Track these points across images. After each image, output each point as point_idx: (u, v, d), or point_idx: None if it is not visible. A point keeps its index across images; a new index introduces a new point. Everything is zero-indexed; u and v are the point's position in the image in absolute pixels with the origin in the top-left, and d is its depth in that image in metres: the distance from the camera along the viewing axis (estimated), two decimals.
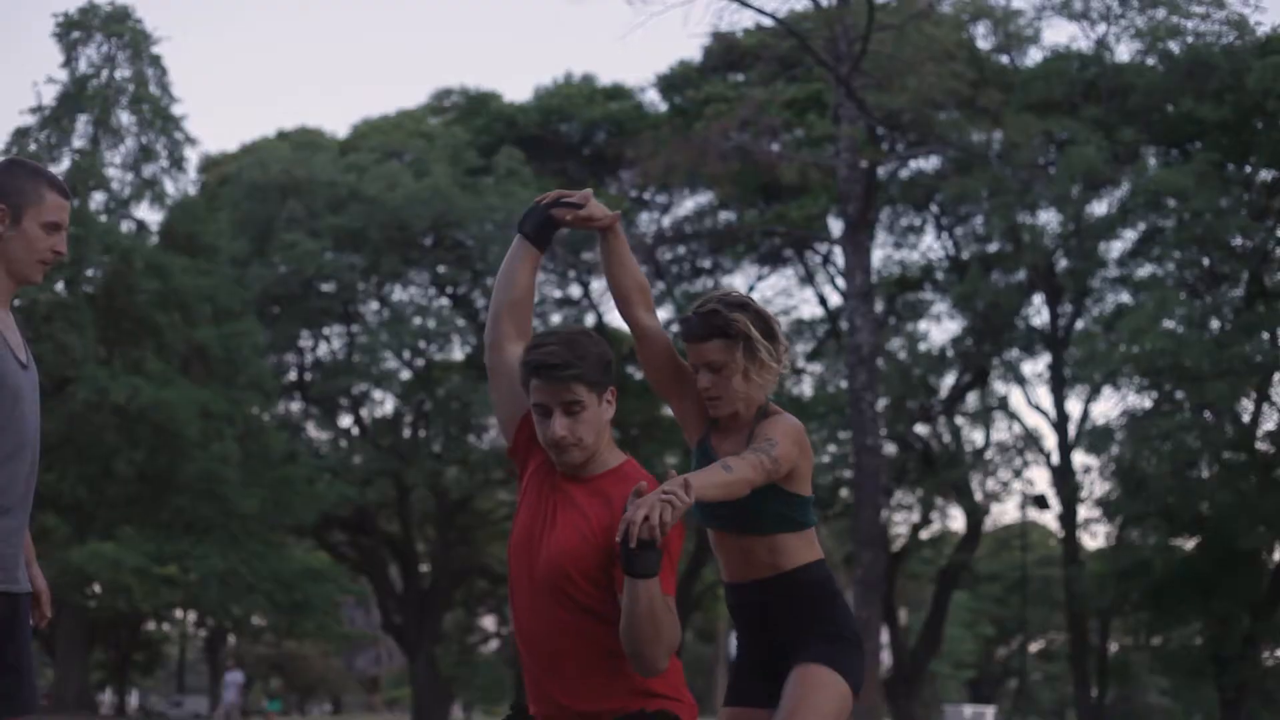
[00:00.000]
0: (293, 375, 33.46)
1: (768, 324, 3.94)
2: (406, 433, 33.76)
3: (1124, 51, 27.17)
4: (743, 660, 4.18)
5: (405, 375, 32.95)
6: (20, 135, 28.01)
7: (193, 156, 29.41)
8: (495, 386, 3.82)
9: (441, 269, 32.47)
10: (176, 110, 28.75)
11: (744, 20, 23.49)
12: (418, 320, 31.87)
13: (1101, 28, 26.63)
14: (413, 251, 31.61)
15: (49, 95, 28.37)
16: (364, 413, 34.12)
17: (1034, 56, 28.14)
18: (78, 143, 28.36)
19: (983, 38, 27.22)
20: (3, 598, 3.63)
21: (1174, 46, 25.29)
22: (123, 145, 28.50)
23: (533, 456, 3.75)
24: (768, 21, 24.27)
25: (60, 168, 27.28)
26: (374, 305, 32.94)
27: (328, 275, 30.84)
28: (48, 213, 3.85)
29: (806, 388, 32.31)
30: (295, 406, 34.21)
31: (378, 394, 33.61)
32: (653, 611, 3.41)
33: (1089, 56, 27.12)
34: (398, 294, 32.82)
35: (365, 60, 48.49)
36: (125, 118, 28.49)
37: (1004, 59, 27.95)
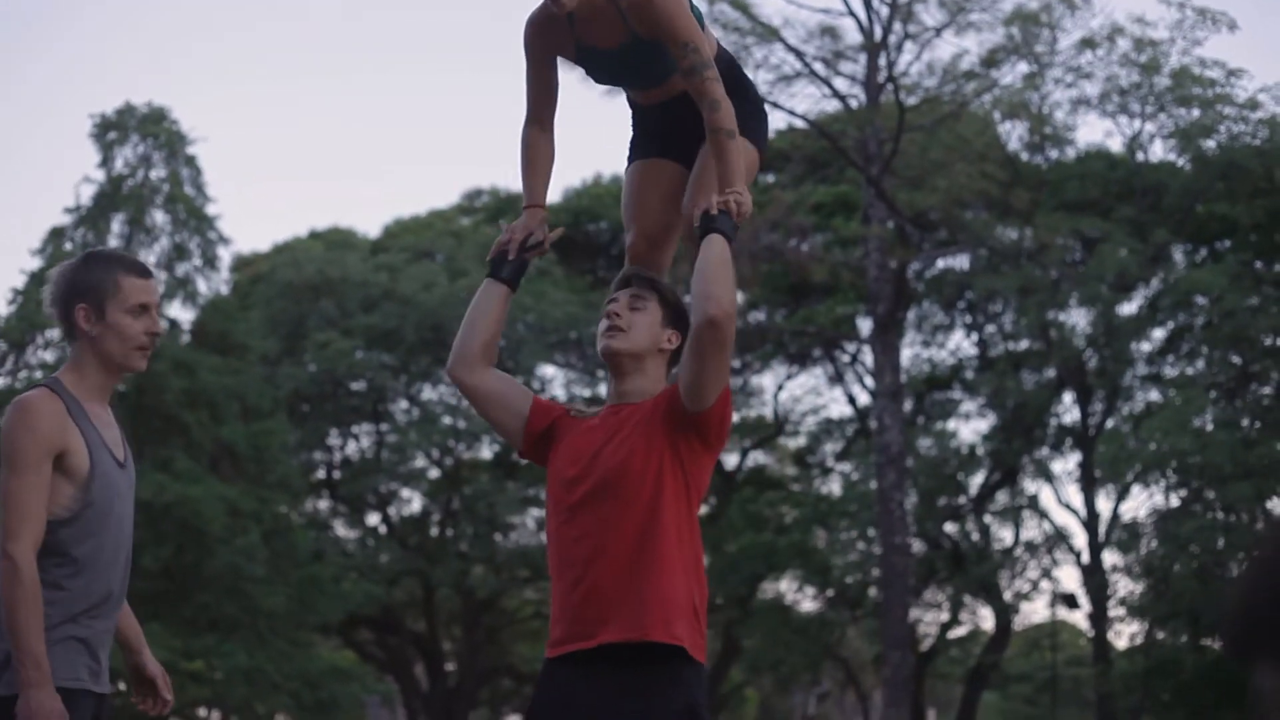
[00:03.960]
0: (321, 473, 33.48)
1: None
2: (434, 531, 33.72)
3: (1157, 150, 27.28)
4: None
5: (433, 474, 32.96)
6: (56, 235, 28.26)
7: (225, 255, 29.58)
8: (487, 400, 4.17)
9: None
10: (210, 210, 28.99)
11: (775, 122, 23.60)
12: (447, 419, 31.91)
13: (1136, 124, 26.73)
14: (444, 351, 31.65)
15: (86, 195, 28.65)
16: (391, 511, 34.11)
17: (1067, 154, 28.23)
18: (113, 242, 28.56)
19: (1016, 137, 27.32)
20: (90, 697, 3.68)
21: (1207, 145, 25.39)
22: (157, 245, 28.70)
23: (556, 423, 4.09)
24: (799, 123, 24.48)
25: None
26: (404, 404, 33.01)
27: (358, 374, 30.95)
28: (131, 297, 3.92)
29: (836, 487, 32.23)
30: (323, 504, 34.20)
31: (405, 492, 33.61)
32: (724, 258, 3.93)
33: (1121, 157, 27.24)
34: (427, 393, 32.90)
35: (397, 160, 49.18)
36: (160, 217, 28.72)
37: (1037, 158, 28.06)
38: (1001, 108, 25.58)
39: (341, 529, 34.38)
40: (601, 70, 4.51)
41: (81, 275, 3.93)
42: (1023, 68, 24.16)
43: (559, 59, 4.48)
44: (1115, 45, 24.63)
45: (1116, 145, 27.61)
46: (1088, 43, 24.29)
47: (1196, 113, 24.99)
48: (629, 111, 4.70)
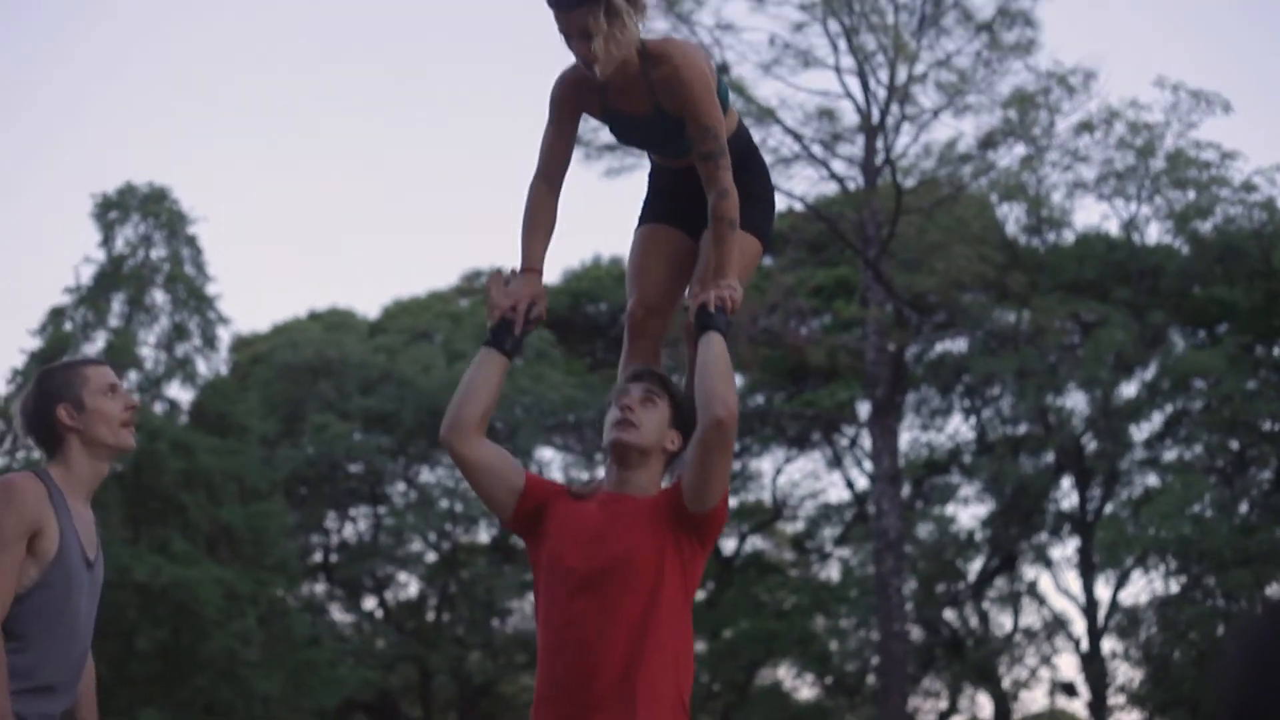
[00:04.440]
0: (318, 556, 33.34)
1: None
2: (430, 616, 33.53)
3: (1153, 233, 27.41)
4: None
5: (430, 558, 32.83)
6: (56, 315, 28.29)
7: (225, 336, 29.60)
8: (480, 469, 4.14)
9: None
10: (210, 290, 29.04)
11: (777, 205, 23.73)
12: (445, 503, 31.82)
13: (1132, 206, 26.85)
14: None
15: (86, 274, 28.70)
16: (388, 595, 33.93)
17: (1065, 237, 28.34)
18: (113, 322, 28.60)
19: (1013, 220, 27.46)
20: None
21: (1203, 227, 25.51)
22: (157, 324, 28.74)
23: (549, 500, 4.11)
24: (797, 205, 24.60)
25: (95, 347, 27.51)
26: (401, 487, 32.93)
27: (356, 457, 30.90)
28: (98, 381, 4.05)
29: (834, 572, 32.10)
30: (320, 588, 34.03)
31: (402, 576, 33.45)
32: (724, 356, 4.03)
33: (1119, 239, 27.35)
34: (425, 475, 32.82)
35: (397, 239, 49.47)
36: (160, 297, 28.76)
37: (1034, 241, 28.17)
38: (999, 190, 25.75)
39: (338, 613, 34.18)
40: (626, 133, 4.60)
41: (49, 384, 4.06)
42: (1020, 150, 24.33)
43: (584, 116, 4.55)
44: (1112, 129, 24.81)
45: (1113, 228, 27.73)
46: (1085, 126, 24.47)
47: (1192, 195, 25.13)
48: (633, 187, 4.81)
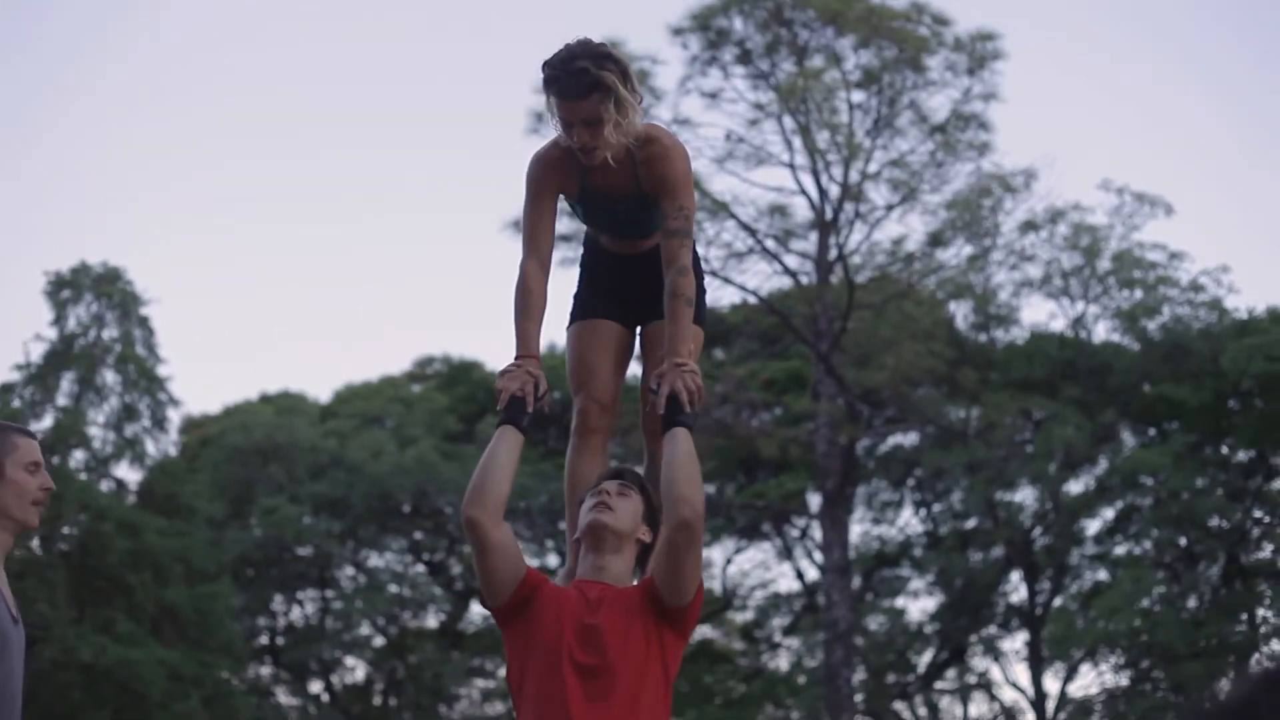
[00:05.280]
0: (264, 639, 33.05)
1: (627, 71, 4.30)
2: (377, 700, 33.24)
3: (1100, 331, 27.63)
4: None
5: (378, 642, 32.59)
6: (4, 391, 28.10)
7: (175, 417, 29.45)
8: (496, 549, 4.17)
9: (419, 535, 32.40)
10: (161, 371, 28.91)
11: (729, 296, 23.93)
12: (393, 587, 31.64)
13: (1080, 305, 27.10)
14: (391, 519, 31.56)
15: (36, 352, 28.54)
16: (334, 679, 33.63)
17: (1014, 334, 28.55)
18: (61, 400, 28.42)
19: (962, 316, 27.68)
20: None
21: (1151, 326, 25.75)
22: (106, 404, 28.57)
23: (540, 585, 4.16)
24: (751, 299, 24.72)
25: (42, 425, 27.33)
26: (349, 571, 32.72)
27: (306, 540, 30.72)
28: (24, 455, 3.97)
29: (783, 662, 32.01)
30: (265, 671, 33.70)
31: (349, 660, 33.17)
32: (691, 455, 4.07)
33: (1067, 338, 27.56)
34: (374, 560, 32.64)
35: (349, 324, 49.35)
36: (110, 377, 28.60)
37: (983, 337, 28.36)
38: (947, 288, 25.97)
39: (284, 696, 33.84)
40: (597, 213, 4.69)
41: None
42: (967, 250, 24.59)
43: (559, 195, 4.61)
44: (1056, 229, 25.11)
45: (1060, 325, 27.95)
46: (1029, 225, 24.75)
47: (1140, 295, 25.40)
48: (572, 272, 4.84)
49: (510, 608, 4.17)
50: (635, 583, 4.24)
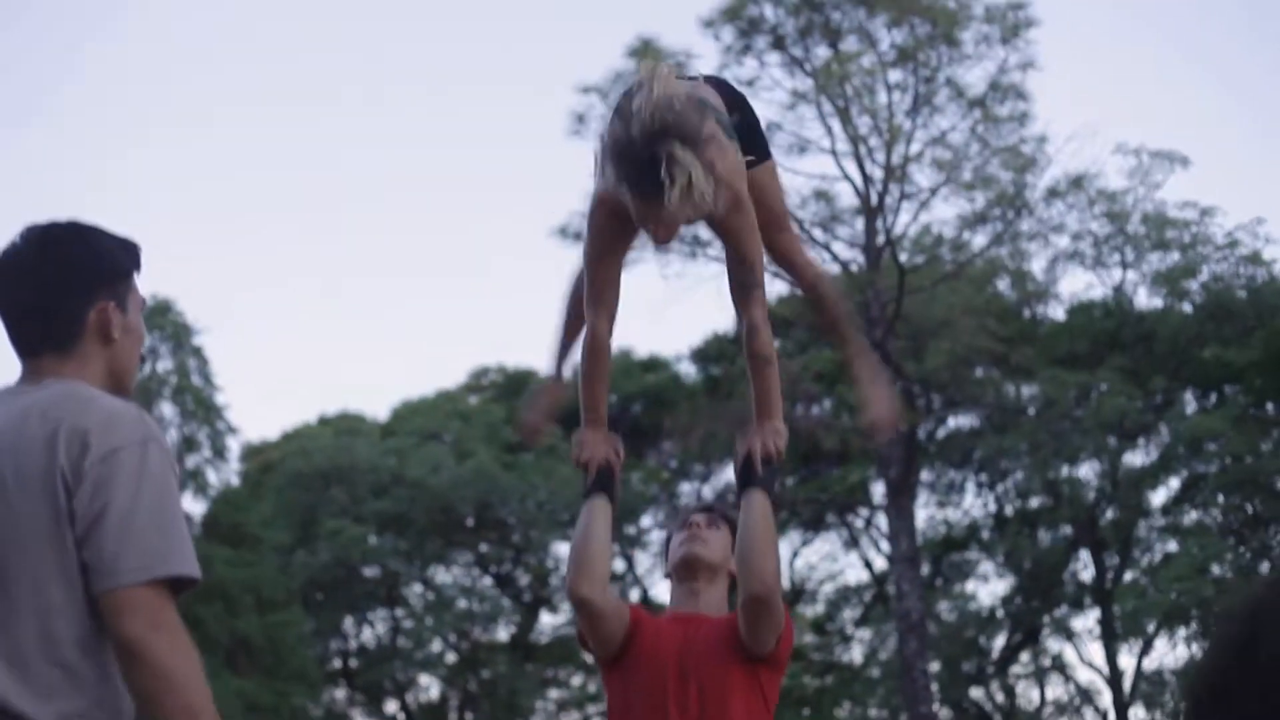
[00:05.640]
0: (337, 663, 33.13)
1: (706, 133, 3.70)
2: (453, 716, 33.28)
3: (1143, 297, 27.35)
4: None
5: (450, 658, 32.63)
6: None
7: (235, 446, 29.60)
8: (604, 616, 4.14)
9: (484, 548, 32.42)
10: (219, 400, 29.06)
11: (778, 288, 23.80)
12: (462, 602, 31.68)
13: (1117, 273, 26.84)
14: (455, 532, 31.59)
15: None
16: (409, 698, 33.68)
17: (1054, 308, 28.30)
18: None
19: (1006, 293, 27.50)
20: None
21: (1193, 286, 25.47)
22: (165, 437, 28.73)
23: (641, 622, 4.18)
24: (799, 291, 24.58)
25: None
26: (418, 588, 32.77)
27: (372, 560, 30.79)
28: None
29: (856, 654, 31.86)
30: (340, 694, 33.79)
31: (423, 679, 33.23)
32: (768, 521, 4.05)
33: (1109, 307, 27.29)
34: (441, 575, 32.70)
35: (403, 341, 49.52)
36: (168, 409, 28.78)
37: (1025, 313, 28.13)
38: (993, 267, 25.79)
39: (360, 718, 33.94)
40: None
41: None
42: (998, 227, 24.40)
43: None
44: (1080, 195, 24.86)
45: (1099, 295, 27.65)
46: (1053, 193, 24.54)
47: (1176, 256, 25.15)
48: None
49: (617, 654, 4.19)
50: (729, 612, 4.24)
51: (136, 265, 3.15)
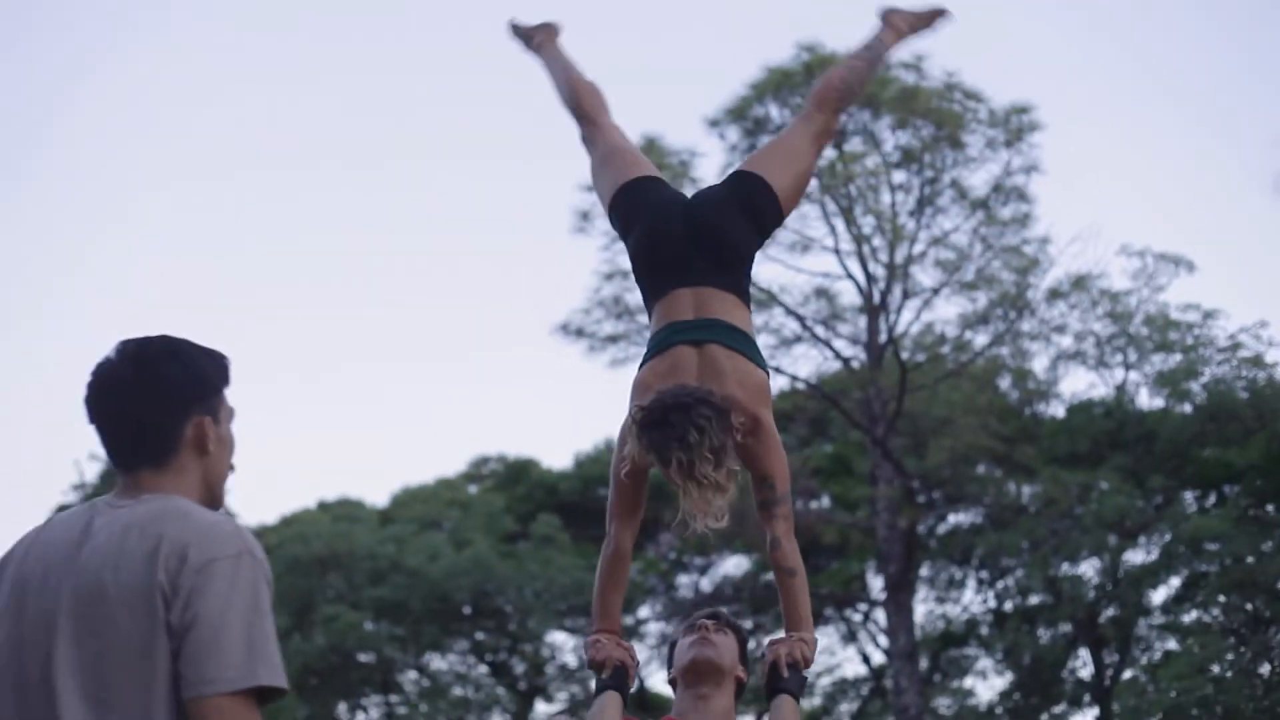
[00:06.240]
0: None
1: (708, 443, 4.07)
2: None
3: (1144, 397, 27.44)
4: None
5: None
6: (61, 511, 28.21)
7: None
8: None
9: (481, 636, 32.32)
10: None
11: (779, 382, 23.91)
12: (457, 690, 31.55)
13: (1119, 373, 26.94)
14: (452, 620, 31.50)
15: (91, 472, 28.67)
16: None
17: (1055, 408, 28.35)
18: None
19: (1013, 393, 27.60)
20: None
21: (1195, 388, 25.55)
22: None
23: None
24: (800, 385, 24.70)
25: None
26: (413, 675, 32.63)
27: (368, 647, 30.67)
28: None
29: None
30: None
31: None
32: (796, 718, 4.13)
33: (1110, 404, 27.37)
34: (437, 663, 32.57)
35: (404, 428, 49.58)
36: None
37: (1026, 412, 28.21)
38: (994, 366, 25.89)
39: None
40: None
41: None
42: (999, 327, 24.54)
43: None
44: (1084, 295, 25.02)
45: (1101, 395, 27.73)
46: (1055, 293, 24.69)
47: (1178, 358, 25.25)
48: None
49: None
50: None
51: (227, 379, 3.23)
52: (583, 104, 4.96)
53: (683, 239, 4.58)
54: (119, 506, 3.04)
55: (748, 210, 4.65)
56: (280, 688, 2.94)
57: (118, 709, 2.85)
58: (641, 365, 4.57)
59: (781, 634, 4.44)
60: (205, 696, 2.82)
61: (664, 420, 4.05)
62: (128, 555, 2.91)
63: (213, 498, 3.17)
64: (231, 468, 3.23)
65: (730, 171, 4.87)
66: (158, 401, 3.08)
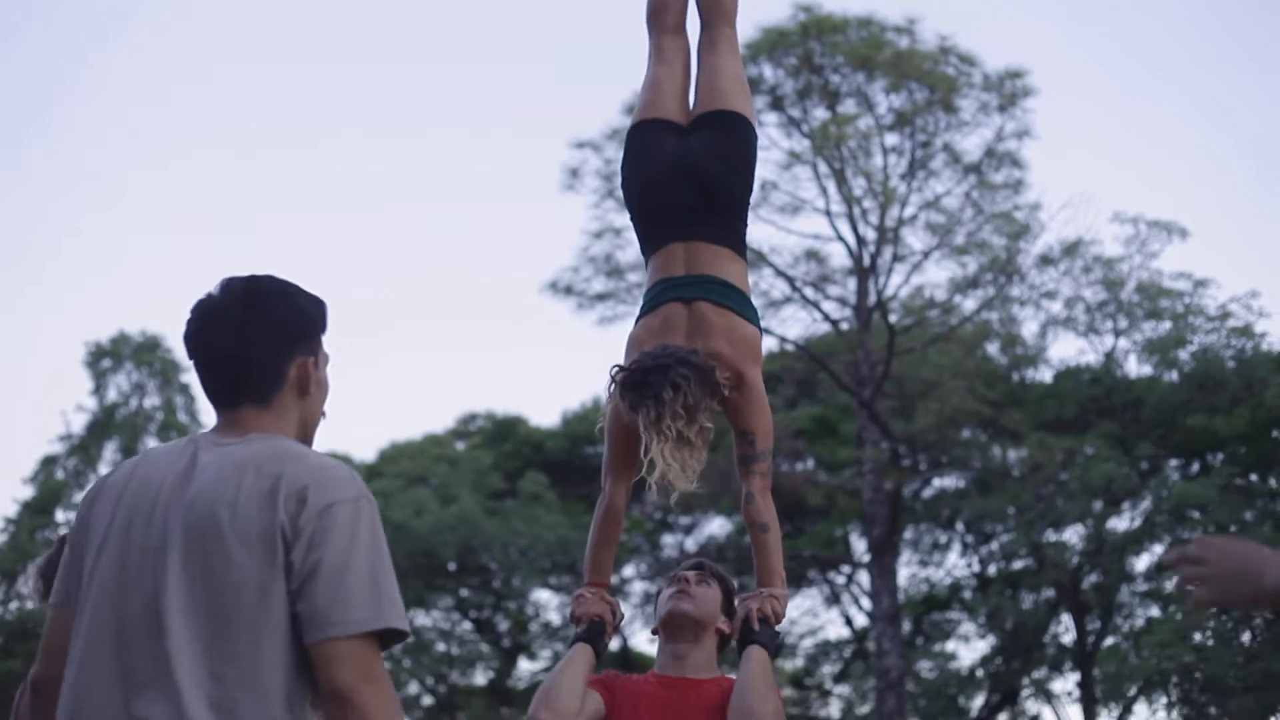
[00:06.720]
0: None
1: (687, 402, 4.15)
2: None
3: (1133, 365, 27.44)
4: None
5: (427, 701, 32.53)
6: (48, 463, 28.20)
7: None
8: None
9: (465, 593, 32.35)
10: None
11: (767, 344, 23.88)
12: (441, 646, 31.60)
13: (1109, 340, 26.94)
14: (436, 576, 31.52)
15: (78, 423, 28.63)
16: None
17: (1043, 375, 28.35)
18: (104, 470, 28.44)
19: (996, 356, 27.61)
20: None
21: (1183, 356, 25.55)
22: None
23: (613, 693, 4.25)
24: (789, 347, 24.68)
25: None
26: None
27: None
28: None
29: (834, 710, 31.81)
30: None
31: None
32: (766, 669, 4.15)
33: (1098, 371, 27.38)
34: (421, 618, 32.61)
35: (393, 384, 49.61)
36: (154, 445, 28.65)
37: (1014, 377, 28.22)
38: (983, 330, 25.89)
39: None
40: None
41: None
42: (989, 292, 24.53)
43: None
44: (1074, 262, 25.00)
45: (1090, 361, 27.74)
46: (1046, 260, 24.66)
47: (1168, 325, 25.25)
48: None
49: None
50: (717, 672, 4.28)
51: (326, 323, 3.27)
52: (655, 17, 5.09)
53: (676, 189, 4.60)
54: (224, 444, 3.03)
55: (740, 155, 4.66)
56: (404, 630, 2.97)
57: (229, 648, 2.85)
58: (637, 321, 4.61)
59: (755, 590, 4.42)
60: (333, 638, 2.83)
61: (643, 381, 4.10)
62: (245, 493, 2.91)
63: (306, 438, 3.20)
64: (324, 414, 3.26)
65: (711, 110, 4.81)
66: (266, 340, 3.11)
